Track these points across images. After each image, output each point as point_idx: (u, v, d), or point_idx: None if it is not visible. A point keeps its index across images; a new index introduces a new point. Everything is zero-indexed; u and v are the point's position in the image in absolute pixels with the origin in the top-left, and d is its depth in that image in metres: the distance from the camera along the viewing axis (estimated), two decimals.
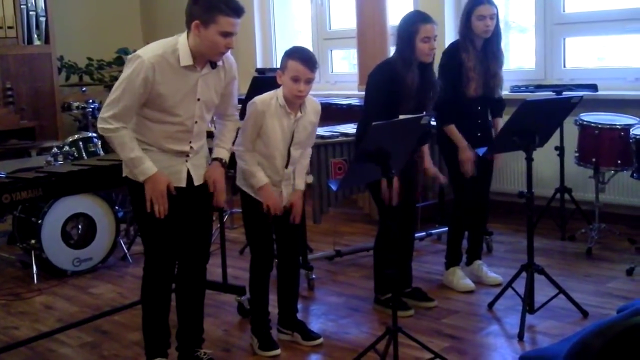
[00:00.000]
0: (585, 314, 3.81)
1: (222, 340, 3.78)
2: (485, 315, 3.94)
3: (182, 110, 3.11)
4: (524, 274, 3.79)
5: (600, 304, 3.96)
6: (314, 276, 4.50)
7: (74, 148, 5.37)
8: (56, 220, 4.85)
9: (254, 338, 3.63)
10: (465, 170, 4.13)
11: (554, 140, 4.49)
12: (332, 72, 7.27)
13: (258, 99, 3.43)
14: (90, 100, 6.55)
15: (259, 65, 7.34)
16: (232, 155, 3.46)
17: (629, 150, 4.51)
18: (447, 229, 4.61)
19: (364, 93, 4.03)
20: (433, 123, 4.29)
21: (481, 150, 3.98)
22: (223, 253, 4.28)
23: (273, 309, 3.72)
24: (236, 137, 3.47)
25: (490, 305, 4.00)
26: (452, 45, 4.26)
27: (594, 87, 5.21)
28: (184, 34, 3.07)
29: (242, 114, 3.53)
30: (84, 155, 5.36)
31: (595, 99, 5.13)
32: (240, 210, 3.73)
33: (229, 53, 3.15)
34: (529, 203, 3.72)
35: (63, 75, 7.96)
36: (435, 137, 4.38)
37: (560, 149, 5.06)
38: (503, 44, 4.26)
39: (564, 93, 5.00)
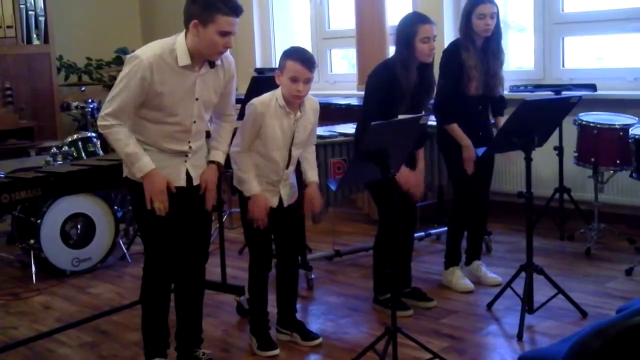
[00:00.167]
0: (584, 314, 3.81)
1: (221, 340, 3.78)
2: (485, 315, 3.94)
3: (181, 110, 3.11)
4: (523, 274, 3.79)
5: (599, 304, 3.96)
6: (313, 276, 4.50)
7: (73, 148, 5.37)
8: (55, 220, 4.85)
9: (252, 338, 3.63)
10: (466, 168, 4.12)
11: (553, 140, 4.49)
12: (331, 72, 7.27)
13: (257, 100, 3.42)
14: (90, 100, 6.55)
15: (258, 65, 7.34)
16: (229, 156, 3.46)
17: (628, 150, 4.51)
18: (446, 229, 4.61)
19: (363, 93, 4.04)
20: (431, 123, 4.29)
21: (480, 150, 3.98)
22: (222, 253, 4.28)
23: (272, 309, 3.71)
24: (233, 137, 3.47)
25: (490, 305, 4.00)
26: (452, 44, 4.26)
27: (593, 87, 5.21)
28: (182, 34, 3.07)
29: (241, 115, 3.53)
30: (83, 155, 5.36)
31: (594, 98, 5.13)
32: (239, 210, 3.72)
33: (227, 52, 3.15)
34: (528, 203, 3.72)
35: (62, 74, 7.96)
36: (436, 138, 4.39)
37: (559, 149, 5.06)
38: (502, 44, 4.26)
39: (563, 93, 5.00)
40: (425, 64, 3.82)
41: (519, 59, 6.13)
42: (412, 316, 3.93)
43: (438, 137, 4.31)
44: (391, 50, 5.68)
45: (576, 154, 4.90)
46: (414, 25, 3.76)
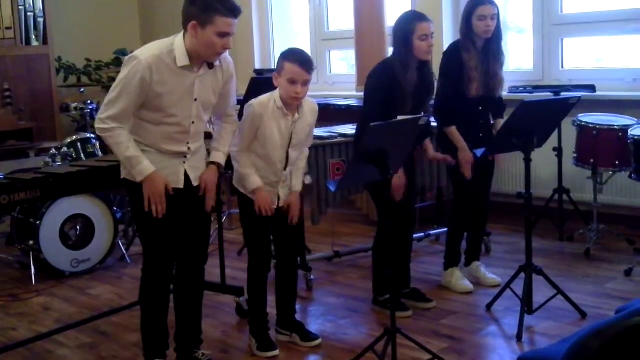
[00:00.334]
0: (583, 314, 3.81)
1: (221, 341, 3.78)
2: (484, 316, 3.94)
3: (179, 111, 3.11)
4: (522, 275, 3.79)
5: (598, 304, 3.96)
6: (312, 277, 4.50)
7: (72, 149, 5.37)
8: (54, 221, 4.85)
9: (252, 339, 3.63)
10: (463, 172, 4.13)
11: (552, 141, 4.49)
12: (330, 72, 7.27)
13: (256, 101, 3.42)
14: (89, 101, 6.55)
15: (257, 67, 7.35)
16: (230, 157, 3.46)
17: (627, 151, 4.51)
18: (445, 229, 4.60)
19: (362, 94, 4.04)
20: (433, 123, 4.29)
21: (479, 152, 3.98)
22: (221, 254, 4.28)
23: (271, 309, 3.71)
24: None
25: (489, 306, 4.00)
26: (452, 45, 4.25)
27: (592, 88, 5.21)
28: (180, 35, 3.07)
29: (240, 116, 3.53)
30: (82, 156, 5.35)
31: (594, 99, 5.13)
32: (239, 211, 3.73)
33: (226, 53, 3.15)
34: (527, 204, 3.72)
35: (61, 76, 7.97)
36: (436, 138, 4.39)
37: (559, 150, 5.06)
38: (503, 45, 4.26)
39: (562, 94, 5.00)
40: (424, 63, 3.81)
41: (518, 60, 6.13)
42: (411, 317, 3.93)
43: (439, 137, 4.31)
44: (390, 51, 5.69)
45: (575, 155, 4.90)
46: (411, 23, 3.76)
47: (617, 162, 4.68)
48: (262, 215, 3.45)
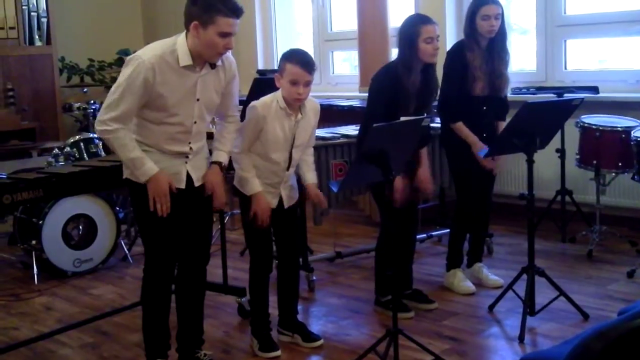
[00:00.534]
0: (585, 316, 3.80)
1: (222, 342, 3.78)
2: (486, 317, 3.94)
3: (181, 111, 3.10)
4: (524, 276, 3.79)
5: (601, 306, 3.96)
6: (314, 277, 4.50)
7: (75, 149, 5.37)
8: (57, 221, 4.85)
9: (254, 339, 3.63)
10: (483, 164, 4.10)
11: (555, 142, 4.48)
12: (333, 73, 7.27)
13: (258, 103, 3.42)
14: (92, 101, 6.55)
15: (260, 67, 7.35)
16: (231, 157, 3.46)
17: (630, 152, 4.51)
18: (447, 230, 4.60)
19: (364, 95, 4.04)
20: (434, 125, 4.29)
21: (482, 152, 3.97)
22: (223, 254, 4.28)
23: (273, 310, 3.71)
24: None
25: (491, 307, 3.99)
26: (456, 45, 4.25)
27: (595, 90, 5.20)
28: (183, 35, 3.07)
29: (243, 116, 3.53)
30: (85, 156, 5.36)
31: (597, 101, 5.12)
32: (240, 211, 3.72)
33: (228, 53, 3.15)
34: (529, 205, 3.72)
35: (64, 76, 7.97)
36: (438, 139, 4.38)
37: (561, 151, 5.06)
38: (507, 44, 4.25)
39: (565, 95, 5.00)
40: (429, 65, 3.81)
41: (521, 61, 6.12)
42: (413, 318, 3.93)
43: (441, 136, 4.31)
44: (393, 52, 5.69)
45: (578, 156, 4.90)
46: (416, 26, 3.76)
47: (620, 164, 4.68)
48: (257, 222, 3.44)
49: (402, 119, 3.59)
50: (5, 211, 4.80)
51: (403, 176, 3.75)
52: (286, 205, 3.57)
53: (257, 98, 3.50)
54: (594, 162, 4.76)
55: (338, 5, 7.12)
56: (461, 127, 4.12)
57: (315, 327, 3.89)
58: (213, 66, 3.13)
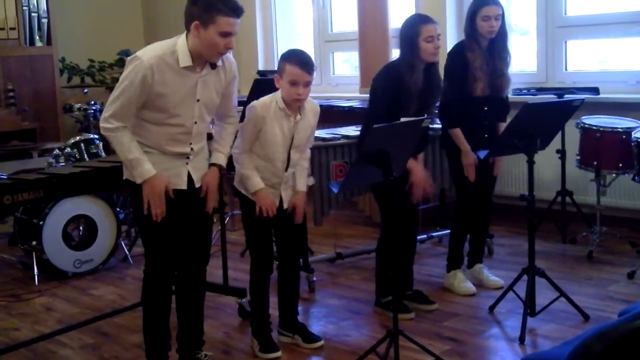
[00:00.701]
0: (586, 317, 3.80)
1: (223, 343, 3.78)
2: (486, 318, 3.94)
3: (182, 111, 3.11)
4: (525, 277, 3.78)
5: (601, 307, 3.96)
6: (314, 278, 4.50)
7: (75, 149, 5.37)
8: (57, 222, 4.85)
9: (254, 340, 3.62)
10: (467, 174, 4.14)
11: (556, 143, 4.48)
12: (333, 74, 7.27)
13: (258, 103, 3.42)
14: (92, 102, 6.55)
15: (261, 68, 7.35)
16: (231, 158, 3.46)
17: (630, 153, 4.50)
18: (448, 231, 4.60)
19: (365, 95, 4.04)
20: (435, 126, 4.28)
21: (482, 153, 3.97)
22: (224, 255, 4.28)
23: (274, 311, 3.71)
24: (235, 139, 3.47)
25: (491, 308, 3.99)
26: (457, 45, 4.25)
27: (595, 90, 5.20)
28: (183, 35, 3.07)
29: (242, 117, 3.53)
30: (86, 156, 5.36)
31: (597, 102, 5.12)
32: (241, 212, 3.73)
33: (229, 53, 3.15)
34: (530, 206, 3.71)
35: (65, 76, 7.98)
36: (439, 140, 4.38)
37: (562, 152, 5.06)
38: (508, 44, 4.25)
39: (566, 96, 4.99)
40: (431, 65, 3.81)
41: (521, 62, 6.12)
42: (413, 319, 3.93)
43: (442, 137, 4.31)
44: (394, 53, 5.69)
45: (578, 157, 4.90)
46: (416, 26, 3.77)
47: (620, 165, 4.68)
48: (263, 216, 3.44)
49: (403, 119, 3.59)
50: (6, 212, 4.81)
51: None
52: (286, 206, 3.57)
53: (257, 99, 3.50)
54: (595, 163, 4.75)
55: (338, 6, 7.13)
56: (457, 134, 4.12)
57: (315, 328, 3.89)
58: (213, 66, 3.14)
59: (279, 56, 3.50)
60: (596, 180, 4.86)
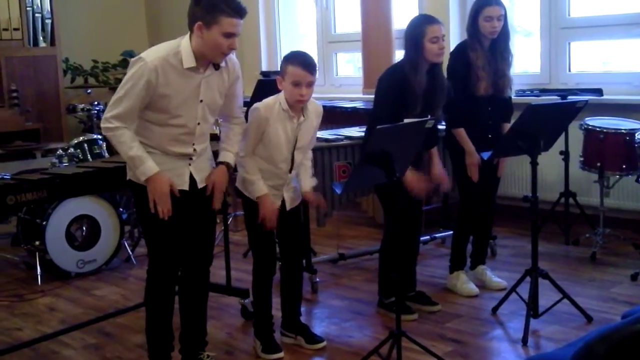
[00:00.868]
0: (589, 319, 3.80)
1: (225, 343, 3.78)
2: (489, 319, 3.94)
3: (185, 112, 3.11)
4: (528, 279, 3.78)
5: (604, 309, 3.95)
6: (317, 279, 4.50)
7: (78, 150, 5.38)
8: (60, 222, 4.86)
9: (257, 341, 3.62)
10: (470, 175, 4.14)
11: (559, 144, 4.48)
12: (336, 75, 7.27)
13: (261, 104, 3.42)
14: (95, 103, 6.57)
15: (264, 69, 7.36)
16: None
17: (634, 154, 4.50)
18: (451, 232, 4.60)
19: (368, 96, 4.04)
20: (441, 127, 4.27)
21: (486, 155, 3.97)
22: (227, 255, 4.28)
23: (276, 312, 3.71)
24: None
25: (494, 309, 3.99)
26: (459, 45, 4.25)
27: (599, 92, 5.19)
28: (187, 36, 3.07)
29: (246, 118, 3.53)
30: (89, 157, 5.37)
31: (601, 103, 5.11)
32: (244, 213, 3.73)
33: (232, 54, 3.15)
34: (533, 207, 3.71)
35: (68, 77, 7.99)
36: (442, 141, 4.38)
37: (565, 154, 5.05)
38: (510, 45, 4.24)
39: (569, 97, 4.98)
40: (435, 65, 3.81)
41: (525, 63, 6.12)
42: (416, 320, 3.93)
43: (445, 138, 4.30)
44: (397, 54, 5.69)
45: (582, 159, 4.89)
46: (421, 26, 3.77)
47: (623, 166, 4.67)
48: (264, 225, 3.44)
49: (406, 120, 3.59)
50: (9, 212, 4.81)
51: (413, 170, 3.75)
52: (289, 207, 3.57)
53: (260, 99, 3.50)
54: (598, 164, 4.75)
55: (342, 7, 7.13)
56: (461, 134, 4.12)
57: (318, 328, 3.89)
58: (217, 67, 3.14)
59: (282, 57, 3.50)
60: (599, 181, 4.85)
